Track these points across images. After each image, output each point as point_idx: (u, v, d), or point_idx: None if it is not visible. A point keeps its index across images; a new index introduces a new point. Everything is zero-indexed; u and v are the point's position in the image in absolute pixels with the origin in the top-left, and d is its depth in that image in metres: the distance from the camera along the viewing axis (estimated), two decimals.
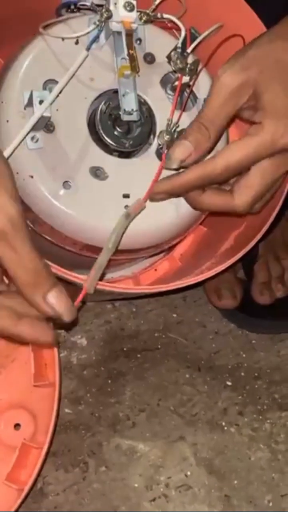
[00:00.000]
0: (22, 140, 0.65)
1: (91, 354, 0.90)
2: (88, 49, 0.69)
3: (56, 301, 0.53)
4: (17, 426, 0.68)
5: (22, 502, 0.65)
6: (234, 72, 0.64)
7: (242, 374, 0.93)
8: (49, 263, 0.64)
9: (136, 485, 0.82)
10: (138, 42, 0.73)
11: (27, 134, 0.65)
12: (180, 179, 0.67)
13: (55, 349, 0.67)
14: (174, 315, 0.97)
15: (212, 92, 0.65)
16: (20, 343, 0.60)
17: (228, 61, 0.65)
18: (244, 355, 0.95)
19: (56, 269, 0.65)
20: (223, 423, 0.88)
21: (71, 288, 0.67)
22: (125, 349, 0.92)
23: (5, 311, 0.53)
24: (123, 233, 0.65)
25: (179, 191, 0.68)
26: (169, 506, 0.82)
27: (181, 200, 0.72)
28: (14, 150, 0.65)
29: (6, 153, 0.65)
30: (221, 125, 0.65)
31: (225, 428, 0.88)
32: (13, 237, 0.52)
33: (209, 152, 0.67)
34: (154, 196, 0.69)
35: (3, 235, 0.51)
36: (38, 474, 0.67)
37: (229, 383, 0.92)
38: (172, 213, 0.72)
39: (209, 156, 0.67)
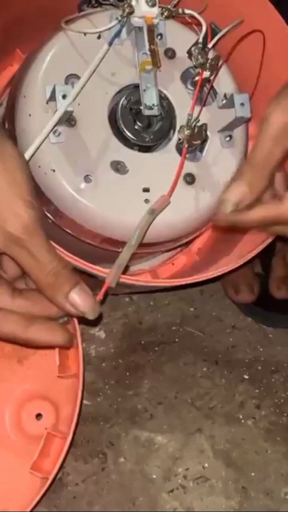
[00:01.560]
0: (48, 135, 0.66)
1: (109, 346, 0.91)
2: (110, 44, 0.70)
3: (78, 300, 0.53)
4: (38, 416, 0.69)
5: (47, 491, 0.66)
6: (284, 109, 0.59)
7: (259, 368, 0.93)
8: (70, 255, 0.65)
9: (154, 476, 0.83)
10: (159, 37, 0.73)
11: (52, 129, 0.66)
12: (247, 217, 0.62)
13: (79, 341, 0.68)
14: (192, 309, 0.97)
15: (261, 132, 0.60)
16: (31, 347, 0.60)
17: (276, 98, 0.61)
18: (261, 349, 0.95)
19: (78, 261, 0.66)
20: (240, 416, 0.89)
21: (92, 281, 0.68)
22: (142, 342, 0.92)
23: (15, 316, 0.53)
24: (147, 229, 0.66)
25: (243, 225, 0.64)
26: (187, 498, 0.82)
27: (201, 195, 0.72)
28: (39, 146, 0.65)
29: (31, 148, 0.65)
30: (273, 165, 0.61)
31: (242, 421, 0.89)
32: (29, 243, 0.52)
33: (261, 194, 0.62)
34: (215, 220, 0.65)
35: (19, 241, 0.52)
36: (62, 464, 0.68)
37: (246, 377, 0.92)
38: (191, 207, 0.73)
39: None
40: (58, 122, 0.67)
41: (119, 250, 0.71)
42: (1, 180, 0.53)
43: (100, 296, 0.58)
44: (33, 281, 0.54)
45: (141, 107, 0.71)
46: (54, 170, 0.68)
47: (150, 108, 0.71)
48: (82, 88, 0.68)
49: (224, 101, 0.74)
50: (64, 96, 0.67)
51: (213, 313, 0.98)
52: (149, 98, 0.71)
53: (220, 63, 0.74)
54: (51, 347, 0.61)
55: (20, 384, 0.69)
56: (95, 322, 0.87)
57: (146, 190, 0.71)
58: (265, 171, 0.60)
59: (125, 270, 0.64)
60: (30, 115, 0.69)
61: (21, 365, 0.70)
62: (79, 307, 0.53)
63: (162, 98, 0.73)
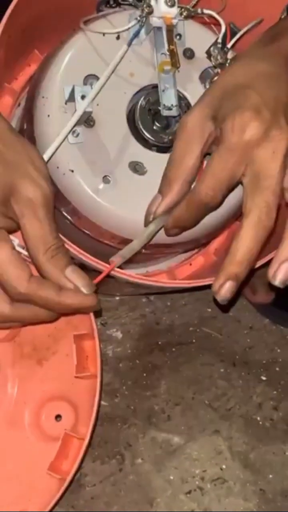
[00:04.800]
0: (66, 136, 0.66)
1: (127, 347, 0.91)
2: (129, 44, 0.70)
3: (74, 276, 0.57)
4: (58, 417, 0.69)
5: (64, 492, 0.66)
6: (199, 110, 0.62)
7: (277, 369, 0.93)
8: (79, 250, 0.65)
9: (171, 477, 0.83)
10: (177, 37, 0.73)
11: (71, 129, 0.66)
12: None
13: (96, 341, 0.68)
14: (209, 310, 0.97)
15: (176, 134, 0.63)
16: (63, 315, 0.63)
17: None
18: (278, 350, 0.95)
19: (93, 261, 0.66)
20: (258, 418, 0.89)
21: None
22: (160, 342, 0.92)
23: (49, 282, 0.57)
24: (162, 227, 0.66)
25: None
26: (205, 499, 0.82)
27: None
28: (59, 146, 0.65)
29: (50, 149, 0.66)
30: (185, 168, 0.62)
31: (260, 422, 0.88)
32: (41, 211, 0.57)
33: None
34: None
35: (34, 207, 0.57)
36: (80, 465, 0.68)
37: (264, 378, 0.92)
38: None
39: None
40: (77, 123, 0.67)
41: None
42: (23, 157, 0.59)
43: (97, 279, 0.61)
44: (31, 253, 0.57)
45: (160, 108, 0.71)
46: (72, 171, 0.68)
47: (169, 108, 0.70)
48: (101, 88, 0.68)
49: None
50: (83, 97, 0.67)
51: (230, 314, 0.98)
52: (168, 99, 0.71)
53: None
54: (82, 312, 0.64)
55: (39, 385, 0.70)
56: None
57: None
58: (179, 174, 0.62)
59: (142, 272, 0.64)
60: (48, 115, 0.69)
61: (40, 366, 0.70)
62: (74, 280, 0.57)
63: (181, 98, 0.73)
